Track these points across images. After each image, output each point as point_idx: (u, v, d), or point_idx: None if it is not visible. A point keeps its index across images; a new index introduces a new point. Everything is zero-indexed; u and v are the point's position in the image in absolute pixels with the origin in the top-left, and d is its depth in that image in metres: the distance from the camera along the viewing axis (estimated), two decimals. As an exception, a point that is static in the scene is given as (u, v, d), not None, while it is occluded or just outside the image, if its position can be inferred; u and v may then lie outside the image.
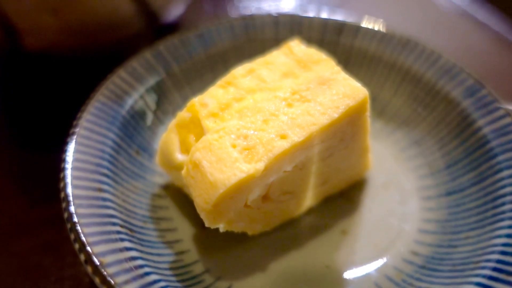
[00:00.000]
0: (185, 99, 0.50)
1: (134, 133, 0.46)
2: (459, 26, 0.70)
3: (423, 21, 0.71)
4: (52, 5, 0.48)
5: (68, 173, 0.38)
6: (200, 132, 0.40)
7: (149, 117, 0.48)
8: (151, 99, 0.48)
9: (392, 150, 0.49)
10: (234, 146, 0.37)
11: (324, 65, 0.43)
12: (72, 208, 0.36)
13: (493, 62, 0.65)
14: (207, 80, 0.51)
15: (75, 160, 0.40)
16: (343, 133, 0.41)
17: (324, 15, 0.54)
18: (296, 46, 0.45)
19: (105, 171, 0.41)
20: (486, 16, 0.70)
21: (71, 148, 0.40)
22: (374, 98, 0.50)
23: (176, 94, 0.50)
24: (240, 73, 0.43)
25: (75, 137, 0.41)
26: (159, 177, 0.46)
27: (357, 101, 0.39)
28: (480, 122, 0.45)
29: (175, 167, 0.42)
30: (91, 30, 0.52)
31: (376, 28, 0.52)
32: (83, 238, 0.35)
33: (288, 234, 0.43)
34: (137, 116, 0.47)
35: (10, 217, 0.47)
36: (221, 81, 0.42)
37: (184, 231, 0.43)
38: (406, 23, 0.69)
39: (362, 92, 0.40)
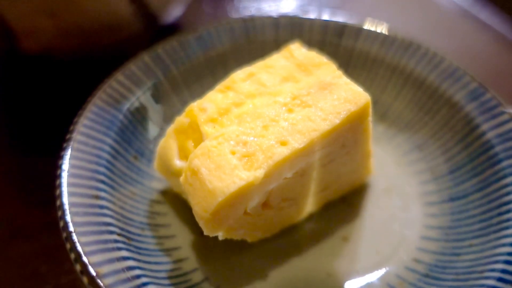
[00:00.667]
0: (184, 102, 0.49)
1: (131, 137, 0.45)
2: (461, 27, 0.69)
3: (424, 22, 0.70)
4: (50, 7, 0.48)
5: (64, 180, 0.38)
6: (198, 137, 0.40)
7: (147, 121, 0.47)
8: (149, 103, 0.47)
9: (393, 154, 0.48)
10: (233, 152, 0.36)
11: (325, 69, 0.42)
12: (68, 217, 0.36)
13: (495, 63, 0.64)
14: (206, 83, 0.51)
15: (71, 166, 0.39)
16: (345, 139, 0.40)
17: (325, 16, 0.53)
18: (296, 50, 0.44)
19: (102, 177, 0.40)
20: (489, 17, 0.69)
21: (67, 154, 0.40)
22: (375, 101, 0.50)
23: (175, 98, 0.49)
24: (240, 77, 0.42)
25: (71, 142, 0.40)
26: (157, 183, 0.45)
27: (359, 106, 0.39)
28: (484, 127, 0.44)
29: (174, 173, 0.41)
30: (89, 32, 0.51)
31: (378, 30, 0.51)
32: (79, 248, 0.34)
33: (288, 241, 0.43)
34: (134, 120, 0.46)
35: (8, 221, 0.47)
36: (220, 86, 0.42)
37: (183, 237, 0.42)
38: (407, 23, 0.68)
39: (364, 97, 0.39)
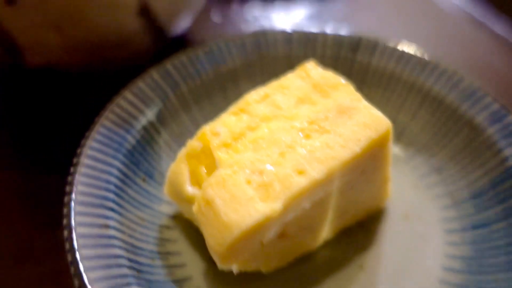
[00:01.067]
0: (194, 120, 0.48)
1: (140, 159, 0.43)
2: (473, 38, 0.67)
3: (435, 33, 0.68)
4: (56, 21, 0.46)
5: (72, 209, 0.36)
6: (211, 163, 0.38)
7: (156, 141, 0.45)
8: (158, 122, 0.46)
9: (411, 177, 0.46)
10: (249, 182, 0.35)
11: (343, 91, 0.40)
12: (76, 252, 0.34)
13: (508, 76, 0.63)
14: (216, 100, 0.49)
15: (79, 193, 0.37)
16: (365, 166, 0.38)
17: (339, 31, 0.51)
18: (312, 69, 0.42)
19: (111, 204, 0.39)
20: (502, 28, 0.67)
21: (74, 180, 0.38)
22: (391, 121, 0.48)
23: (184, 116, 0.48)
24: (254, 98, 0.40)
25: (78, 167, 0.39)
26: (167, 206, 0.43)
27: (379, 133, 0.37)
28: (508, 152, 0.42)
29: (185, 200, 0.39)
30: (96, 46, 0.50)
31: (394, 46, 0.50)
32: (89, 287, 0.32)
33: (303, 269, 0.41)
34: (143, 140, 0.44)
35: (13, 242, 0.45)
36: (233, 108, 0.40)
37: (194, 266, 0.40)
38: (416, 34, 0.66)
39: (385, 123, 0.38)
